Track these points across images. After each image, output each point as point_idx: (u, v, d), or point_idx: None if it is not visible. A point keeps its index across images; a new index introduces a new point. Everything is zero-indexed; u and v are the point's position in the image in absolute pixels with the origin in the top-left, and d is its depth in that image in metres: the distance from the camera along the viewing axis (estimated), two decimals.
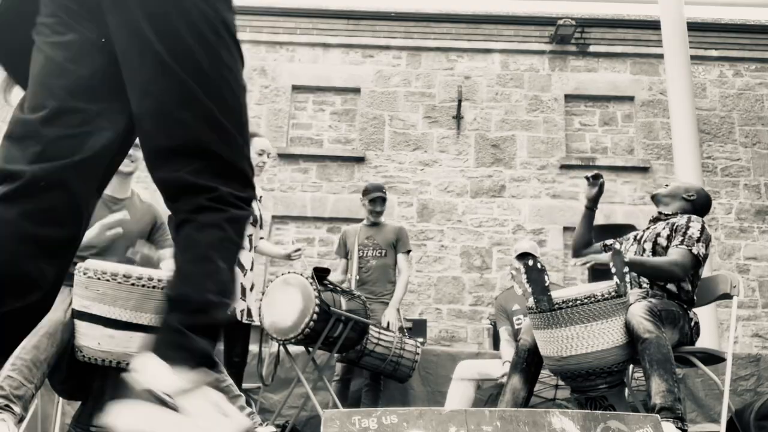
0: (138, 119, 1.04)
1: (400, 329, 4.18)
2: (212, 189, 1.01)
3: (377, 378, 3.96)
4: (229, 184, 1.03)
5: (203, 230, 1.01)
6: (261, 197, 3.75)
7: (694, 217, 2.90)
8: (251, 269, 3.54)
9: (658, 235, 2.89)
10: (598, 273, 3.99)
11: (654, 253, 2.86)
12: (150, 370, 0.91)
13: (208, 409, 0.91)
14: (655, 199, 3.11)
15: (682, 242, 2.77)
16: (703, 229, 2.85)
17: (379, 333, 3.74)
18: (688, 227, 2.82)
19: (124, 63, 1.02)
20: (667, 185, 3.15)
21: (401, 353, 3.75)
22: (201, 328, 0.97)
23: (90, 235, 2.38)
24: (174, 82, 1.00)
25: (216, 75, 1.03)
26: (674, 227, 2.87)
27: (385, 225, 4.47)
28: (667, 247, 2.85)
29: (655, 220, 3.07)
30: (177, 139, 1.01)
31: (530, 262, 2.39)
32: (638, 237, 3.04)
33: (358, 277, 4.28)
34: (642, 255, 2.88)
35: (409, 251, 4.44)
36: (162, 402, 0.88)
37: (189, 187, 1.01)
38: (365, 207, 4.43)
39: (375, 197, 4.37)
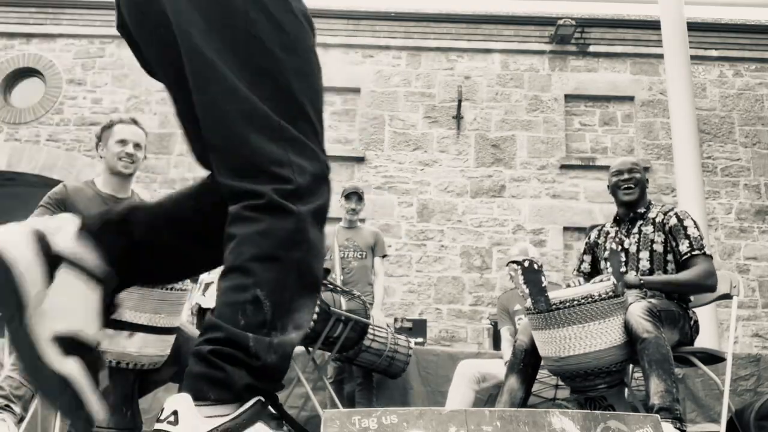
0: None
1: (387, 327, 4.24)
2: (254, 193, 0.89)
3: (370, 376, 4.01)
4: (276, 180, 0.90)
5: (234, 249, 0.88)
6: None
7: (679, 212, 2.87)
8: None
9: (652, 242, 2.85)
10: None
11: (651, 261, 2.83)
12: (181, 416, 0.81)
13: None
14: (631, 204, 2.96)
15: (692, 247, 2.74)
16: (694, 221, 2.85)
17: (374, 329, 3.76)
18: (685, 227, 2.79)
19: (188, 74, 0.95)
20: (628, 187, 2.93)
21: (396, 348, 3.78)
22: (239, 363, 0.84)
23: None
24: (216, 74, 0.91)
25: (264, 62, 0.93)
26: (668, 230, 2.82)
27: (361, 228, 4.63)
28: (665, 253, 2.82)
29: (631, 221, 2.96)
30: (218, 137, 0.93)
31: (527, 263, 2.40)
32: (614, 238, 2.97)
33: (342, 277, 4.31)
34: (637, 265, 2.84)
35: (385, 255, 4.61)
36: None
37: (229, 191, 0.91)
38: (342, 207, 4.55)
39: (350, 193, 4.50)
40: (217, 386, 0.84)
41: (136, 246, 0.96)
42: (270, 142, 0.92)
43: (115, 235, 0.93)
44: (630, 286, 2.64)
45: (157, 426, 0.81)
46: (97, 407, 0.83)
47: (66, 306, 0.82)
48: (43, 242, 0.82)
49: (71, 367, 0.81)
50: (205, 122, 0.94)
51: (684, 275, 2.72)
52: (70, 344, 0.82)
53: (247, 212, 0.89)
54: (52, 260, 0.82)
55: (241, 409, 0.84)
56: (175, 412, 0.81)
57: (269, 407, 0.88)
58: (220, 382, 0.84)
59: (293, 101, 0.96)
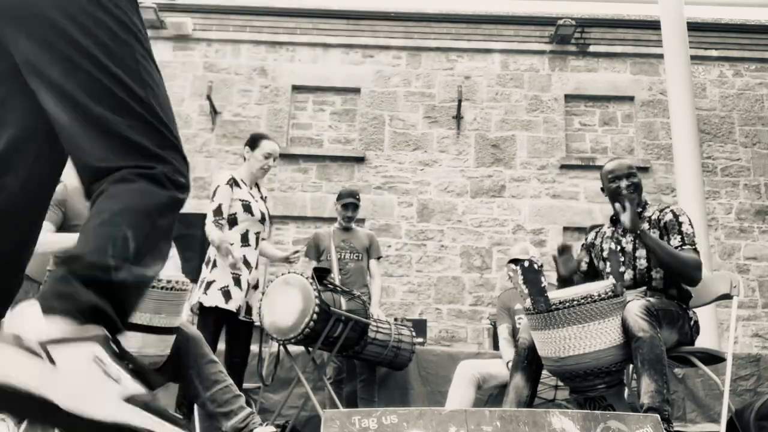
0: (54, 121, 1.02)
1: None
2: (135, 166, 1.00)
3: (373, 372, 4.02)
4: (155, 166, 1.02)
5: (114, 198, 0.98)
6: (266, 197, 3.77)
7: (675, 208, 2.86)
8: (256, 267, 3.56)
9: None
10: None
11: (649, 259, 2.82)
12: (24, 316, 0.84)
13: (86, 366, 0.82)
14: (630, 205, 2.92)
15: (683, 242, 2.74)
16: (689, 219, 2.84)
17: (377, 322, 3.77)
18: (680, 223, 2.79)
19: (28, 70, 1.01)
20: (627, 187, 2.89)
21: (400, 338, 3.79)
22: (93, 283, 0.90)
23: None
24: (85, 79, 0.99)
25: (128, 65, 1.02)
26: (664, 226, 2.82)
27: (356, 230, 4.63)
28: None
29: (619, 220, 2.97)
30: (101, 137, 1.00)
31: (527, 263, 2.39)
32: (611, 238, 2.98)
33: (339, 278, 4.33)
34: (635, 263, 2.84)
35: (380, 257, 4.63)
36: (31, 350, 0.80)
37: (108, 170, 0.99)
38: (337, 211, 4.57)
39: (347, 203, 4.49)
40: (61, 298, 0.87)
41: None
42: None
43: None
44: (627, 230, 2.65)
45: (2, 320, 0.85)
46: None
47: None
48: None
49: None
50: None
51: (680, 252, 2.71)
52: None
53: (133, 176, 0.99)
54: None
55: (84, 327, 0.86)
56: (22, 313, 0.85)
57: (113, 344, 0.89)
58: (66, 295, 0.88)
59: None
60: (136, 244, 0.96)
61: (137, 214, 0.97)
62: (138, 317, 2.12)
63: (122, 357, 0.89)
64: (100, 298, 0.90)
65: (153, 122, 1.03)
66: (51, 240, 2.45)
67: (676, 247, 2.74)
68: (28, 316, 0.84)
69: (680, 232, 2.76)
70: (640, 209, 2.95)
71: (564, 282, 2.86)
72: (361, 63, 8.68)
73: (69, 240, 2.44)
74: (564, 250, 2.87)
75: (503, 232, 8.05)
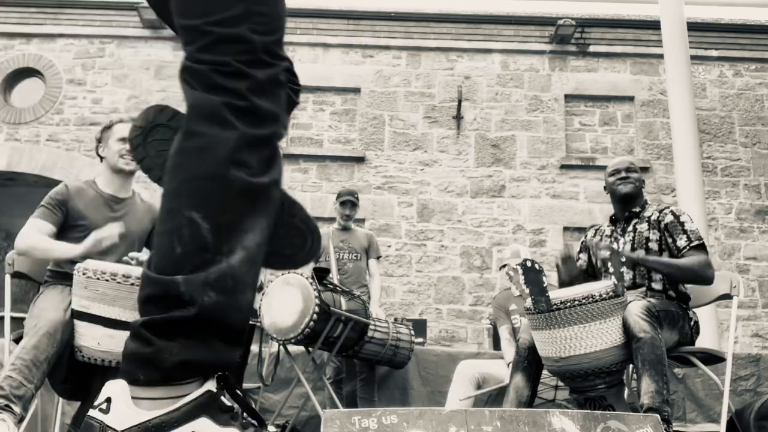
0: None
1: None
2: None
3: (373, 371, 4.02)
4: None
5: (169, 170, 0.77)
6: None
7: (674, 209, 2.86)
8: None
9: (647, 239, 2.84)
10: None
11: None
12: (112, 404, 0.70)
13: None
14: (628, 200, 2.95)
15: (690, 240, 2.74)
16: (690, 218, 2.85)
17: (375, 320, 3.77)
18: (682, 222, 2.79)
19: None
20: (625, 179, 2.91)
21: (398, 336, 3.79)
22: (170, 326, 0.72)
23: (86, 245, 2.38)
24: None
25: None
26: (665, 227, 2.82)
27: (355, 230, 4.66)
28: (660, 251, 2.81)
29: (627, 220, 2.96)
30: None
31: (528, 264, 2.39)
32: (611, 237, 2.99)
33: (338, 278, 4.33)
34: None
35: (379, 257, 4.66)
36: None
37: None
38: (336, 210, 4.61)
39: (345, 200, 4.53)
40: (144, 365, 0.72)
41: None
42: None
43: None
44: (630, 262, 2.67)
45: (90, 412, 0.72)
46: None
47: None
48: None
49: None
50: None
51: (683, 261, 2.71)
52: None
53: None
54: None
55: (182, 402, 0.71)
56: (108, 399, 0.71)
57: (221, 398, 0.74)
58: (148, 360, 0.72)
59: None
60: (210, 226, 0.75)
61: (197, 182, 0.77)
62: (135, 316, 2.12)
63: (229, 408, 0.74)
64: (186, 345, 0.71)
65: None
66: (51, 247, 2.45)
67: (684, 248, 2.74)
68: (113, 403, 0.70)
69: (684, 231, 2.76)
70: (639, 209, 2.95)
71: (566, 286, 2.86)
72: (361, 63, 8.68)
73: (70, 251, 2.44)
74: (567, 259, 2.90)
75: (503, 232, 8.05)
